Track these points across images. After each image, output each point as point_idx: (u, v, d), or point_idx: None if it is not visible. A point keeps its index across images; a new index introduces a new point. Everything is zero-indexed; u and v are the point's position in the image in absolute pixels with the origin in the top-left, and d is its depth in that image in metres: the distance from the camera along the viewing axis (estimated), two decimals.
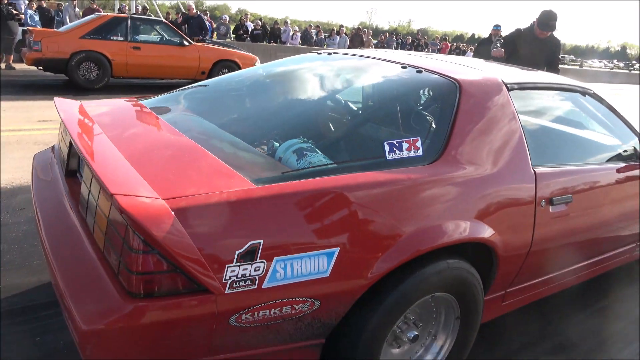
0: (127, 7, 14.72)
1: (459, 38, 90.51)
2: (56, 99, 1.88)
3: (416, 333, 1.58)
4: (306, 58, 2.42)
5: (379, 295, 1.38)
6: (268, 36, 15.79)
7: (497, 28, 8.02)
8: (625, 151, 2.33)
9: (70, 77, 7.43)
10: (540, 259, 1.88)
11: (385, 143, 1.46)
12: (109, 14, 10.13)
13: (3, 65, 9.03)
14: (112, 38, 7.61)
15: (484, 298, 1.74)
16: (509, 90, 1.80)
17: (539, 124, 2.24)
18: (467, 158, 1.58)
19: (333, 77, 2.14)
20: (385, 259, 1.34)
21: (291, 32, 15.96)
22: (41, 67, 7.46)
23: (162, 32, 8.33)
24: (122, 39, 7.69)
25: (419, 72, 1.84)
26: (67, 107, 1.78)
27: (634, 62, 77.55)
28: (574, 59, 64.36)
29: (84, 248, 1.28)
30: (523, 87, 1.89)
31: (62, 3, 14.59)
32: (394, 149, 1.46)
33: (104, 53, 7.46)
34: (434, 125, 1.64)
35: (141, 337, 1.09)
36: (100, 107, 1.94)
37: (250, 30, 15.51)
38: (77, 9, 12.53)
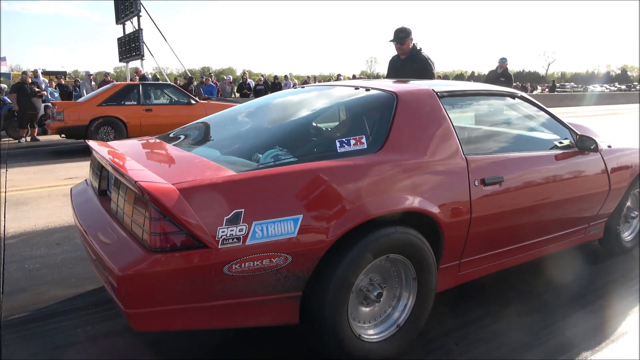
0: (137, 77, 15.83)
1: (460, 77, 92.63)
2: (89, 141, 2.42)
3: (380, 291, 1.97)
4: (285, 92, 2.98)
5: (339, 254, 1.79)
6: (270, 90, 16.75)
7: (503, 60, 8.75)
8: (560, 142, 2.76)
9: None
10: (484, 231, 2.27)
11: (336, 140, 1.93)
12: (122, 82, 11.06)
13: (29, 138, 9.87)
14: (126, 103, 8.40)
15: (437, 264, 2.14)
16: (439, 97, 2.28)
17: (474, 123, 2.70)
18: (404, 149, 2.04)
19: (304, 101, 2.68)
20: (340, 223, 1.77)
21: (291, 84, 16.93)
22: (64, 135, 8.22)
23: (170, 95, 9.13)
24: (135, 103, 8.47)
25: (367, 90, 2.35)
26: (97, 144, 2.31)
27: (635, 83, 78.27)
28: (575, 86, 65.38)
29: (115, 229, 1.76)
30: (453, 94, 2.38)
31: (79, 79, 15.83)
32: (343, 144, 1.94)
33: (119, 117, 8.22)
34: (377, 126, 2.12)
35: (160, 280, 1.53)
36: (121, 143, 2.48)
37: (252, 86, 16.52)
38: (93, 83, 13.60)
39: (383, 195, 1.90)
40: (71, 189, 2.61)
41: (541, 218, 2.58)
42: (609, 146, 2.99)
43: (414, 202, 1.96)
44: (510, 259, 2.54)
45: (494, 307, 2.55)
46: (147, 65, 17.07)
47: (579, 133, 2.79)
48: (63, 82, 13.90)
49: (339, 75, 20.26)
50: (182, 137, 2.57)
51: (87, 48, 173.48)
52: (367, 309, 2.02)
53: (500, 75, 8.52)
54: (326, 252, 1.77)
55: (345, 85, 2.62)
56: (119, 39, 18.44)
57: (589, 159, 2.77)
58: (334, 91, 2.65)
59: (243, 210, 1.62)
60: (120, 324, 2.29)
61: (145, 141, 2.52)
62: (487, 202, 2.23)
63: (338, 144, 1.94)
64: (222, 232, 1.58)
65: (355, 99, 2.39)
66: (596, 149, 2.72)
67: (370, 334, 2.00)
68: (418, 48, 4.25)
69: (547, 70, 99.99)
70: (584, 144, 2.72)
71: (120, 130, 8.23)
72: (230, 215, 1.60)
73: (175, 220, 1.53)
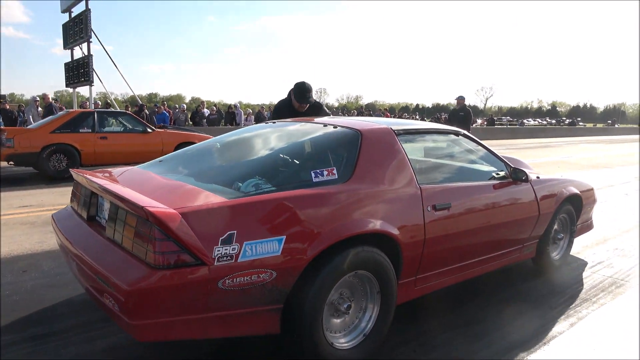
0: (87, 103, 15.56)
1: (405, 109, 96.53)
2: (75, 170, 2.57)
3: (349, 304, 2.25)
4: (256, 127, 3.26)
5: (315, 270, 2.06)
6: (224, 119, 16.93)
7: (460, 98, 9.57)
8: (497, 174, 3.19)
9: (40, 169, 7.99)
10: (436, 251, 2.61)
11: (311, 172, 2.23)
12: (77, 109, 10.89)
13: None
14: (80, 130, 8.32)
15: (397, 279, 2.45)
16: (396, 134, 2.64)
17: (426, 157, 3.11)
18: (369, 179, 2.37)
19: (277, 136, 2.96)
20: (317, 243, 2.04)
21: (244, 115, 17.19)
22: (12, 162, 8.00)
23: (126, 123, 9.12)
24: (89, 130, 8.41)
25: (335, 127, 2.69)
26: (87, 174, 2.47)
27: (564, 118, 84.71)
28: (511, 119, 69.90)
29: (115, 250, 1.94)
30: (408, 132, 2.76)
31: (22, 105, 15.31)
32: (318, 175, 2.24)
33: (72, 144, 8.13)
34: (346, 158, 2.43)
35: (163, 294, 1.73)
36: (109, 172, 2.65)
37: (206, 115, 16.64)
38: (39, 108, 13.22)
39: (352, 219, 2.20)
40: (52, 215, 2.73)
41: (483, 239, 2.97)
42: (538, 177, 3.48)
43: (377, 224, 2.27)
44: (459, 275, 2.89)
45: (446, 317, 2.88)
46: (93, 91, 16.74)
47: (512, 166, 3.24)
48: (7, 107, 13.41)
49: None
50: (164, 166, 2.77)
51: (25, 70, 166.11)
52: (338, 320, 2.28)
53: (460, 110, 9.30)
54: (304, 269, 2.04)
55: (313, 122, 2.95)
56: (66, 64, 18.02)
57: (521, 188, 3.21)
58: (303, 127, 2.96)
59: (235, 231, 1.86)
60: (104, 343, 2.41)
61: (129, 170, 2.70)
62: (438, 225, 2.58)
63: (313, 175, 2.24)
64: (218, 251, 1.81)
65: (324, 135, 2.71)
66: (527, 180, 3.18)
67: (342, 342, 2.26)
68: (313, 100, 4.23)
69: (485, 105, 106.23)
70: (516, 175, 3.17)
71: (73, 158, 8.13)
72: (224, 236, 1.83)
73: (177, 240, 1.75)
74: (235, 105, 18.34)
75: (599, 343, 2.62)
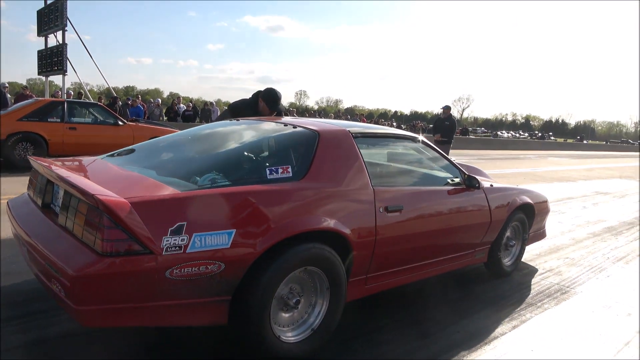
0: (60, 93, 15.23)
1: (384, 115, 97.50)
2: (32, 157, 2.57)
3: (298, 299, 2.32)
4: (221, 124, 3.31)
5: (265, 264, 2.12)
6: (199, 116, 16.82)
7: (446, 107, 9.85)
8: (452, 180, 3.32)
9: (5, 157, 7.81)
10: (387, 251, 2.71)
11: (266, 168, 2.30)
12: (46, 98, 10.67)
13: None
14: (49, 120, 8.18)
15: (348, 277, 2.53)
16: (353, 137, 2.74)
17: (383, 161, 3.21)
18: (323, 178, 2.45)
19: (238, 134, 3.02)
20: (267, 238, 2.11)
21: (218, 111, 17.13)
22: None
23: (97, 114, 9.00)
24: (58, 120, 8.27)
25: (294, 127, 2.76)
26: (44, 161, 2.48)
27: (537, 132, 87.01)
28: (485, 131, 71.42)
29: (65, 237, 1.97)
30: (365, 135, 2.86)
31: None
32: (272, 172, 2.31)
33: (40, 133, 7.98)
34: (302, 158, 2.51)
35: (109, 281, 1.77)
36: (67, 160, 2.65)
37: (182, 112, 16.50)
38: (8, 95, 12.89)
39: (304, 216, 2.27)
40: (7, 202, 2.72)
41: (434, 242, 3.08)
42: (491, 185, 3.62)
43: (329, 223, 2.35)
44: (409, 276, 2.99)
45: (395, 316, 2.98)
46: (67, 81, 16.47)
47: (467, 173, 3.37)
48: None
49: None
50: (124, 157, 2.79)
51: None
52: (287, 315, 2.35)
53: (445, 120, 9.56)
54: (254, 263, 2.10)
55: (274, 121, 3.02)
56: (39, 52, 17.61)
57: (474, 195, 3.35)
58: (264, 126, 3.03)
59: (185, 223, 1.91)
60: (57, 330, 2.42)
61: (89, 160, 2.71)
62: (389, 227, 2.67)
63: (268, 172, 2.30)
64: (167, 241, 1.86)
65: (283, 134, 2.78)
66: (479, 187, 3.32)
67: (289, 335, 2.32)
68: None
69: (461, 115, 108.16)
70: (470, 182, 3.30)
71: (40, 147, 7.97)
72: (174, 227, 1.88)
73: (126, 228, 1.79)
74: (212, 103, 18.25)
75: (538, 345, 2.75)
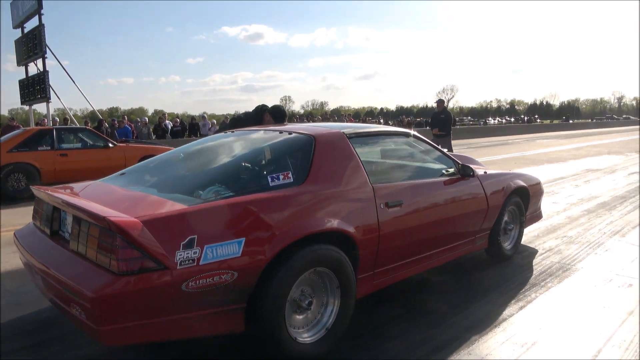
0: (45, 120, 15.17)
1: (370, 113, 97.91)
2: (35, 187, 2.61)
3: (310, 300, 2.38)
4: (216, 137, 3.37)
5: (276, 268, 2.18)
6: (187, 131, 16.82)
7: (440, 102, 10.06)
8: (447, 171, 3.40)
9: None
10: (391, 246, 2.77)
11: (268, 176, 2.36)
12: (34, 127, 10.64)
13: None
14: (39, 148, 8.17)
15: (356, 275, 2.59)
16: (348, 138, 2.80)
17: (378, 158, 3.29)
18: (323, 180, 2.51)
19: (236, 145, 3.08)
20: (275, 243, 2.17)
21: (209, 125, 17.15)
22: None
23: (86, 138, 9.00)
24: (48, 148, 8.27)
25: (290, 133, 2.82)
26: (49, 189, 2.52)
27: (523, 116, 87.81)
28: (472, 119, 71.92)
29: (78, 261, 2.01)
30: (359, 135, 2.93)
31: None
32: (274, 179, 2.37)
33: (32, 163, 7.97)
34: (300, 162, 2.57)
35: (129, 299, 1.81)
36: (69, 187, 2.70)
37: (169, 128, 16.49)
38: None
39: (308, 219, 2.33)
40: (15, 233, 2.75)
41: (436, 233, 3.15)
42: (485, 172, 3.71)
43: (333, 223, 2.41)
44: (415, 268, 3.06)
45: (402, 309, 3.04)
46: (50, 108, 16.35)
47: (461, 163, 3.45)
48: None
49: None
50: (124, 179, 2.84)
51: None
52: (301, 316, 2.40)
53: (440, 113, 9.73)
54: (265, 268, 2.15)
55: (269, 129, 3.08)
56: (21, 81, 17.53)
57: (470, 183, 3.43)
58: (260, 135, 3.09)
59: (196, 236, 1.96)
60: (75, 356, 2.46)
61: (90, 184, 2.76)
62: (391, 222, 2.74)
63: (269, 179, 2.37)
64: (180, 255, 1.91)
65: (280, 141, 2.84)
66: (474, 175, 3.40)
67: (305, 336, 2.38)
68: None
69: (447, 106, 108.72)
70: (465, 171, 3.38)
71: (32, 176, 7.96)
72: (185, 241, 1.93)
73: (140, 247, 1.84)
74: (203, 117, 18.28)
75: (545, 322, 2.83)
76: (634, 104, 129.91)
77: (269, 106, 4.52)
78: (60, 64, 16.32)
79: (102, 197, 2.37)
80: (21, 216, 6.16)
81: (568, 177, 9.26)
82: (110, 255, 1.86)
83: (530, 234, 4.79)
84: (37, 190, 2.59)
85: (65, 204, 2.19)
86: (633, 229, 5.05)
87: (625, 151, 15.74)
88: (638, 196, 6.98)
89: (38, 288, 2.35)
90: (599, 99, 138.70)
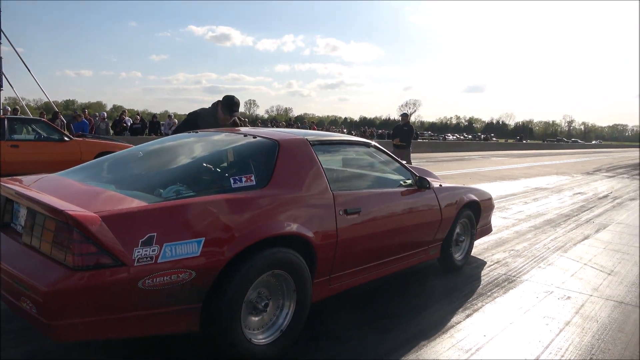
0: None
1: (334, 122, 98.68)
2: None
3: (267, 301, 2.41)
4: (180, 136, 3.35)
5: (233, 269, 2.20)
6: (147, 129, 16.44)
7: (404, 115, 10.59)
8: (405, 182, 3.52)
9: None
10: (348, 252, 2.85)
11: (230, 178, 2.39)
12: None
13: None
14: None
15: (312, 279, 2.65)
16: (311, 144, 2.87)
17: (340, 166, 3.38)
18: (285, 185, 2.56)
19: (199, 145, 3.09)
20: (235, 245, 2.19)
21: (172, 125, 16.84)
22: None
23: (40, 130, 8.65)
24: None
25: (254, 137, 2.86)
26: (2, 181, 2.44)
27: (480, 133, 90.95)
28: (432, 134, 73.85)
29: (31, 254, 1.98)
30: (322, 142, 3.01)
31: None
32: (237, 181, 2.40)
33: None
34: (264, 166, 2.61)
35: (83, 295, 1.79)
36: (24, 179, 2.62)
37: (129, 124, 16.08)
38: None
39: (269, 222, 2.37)
40: None
41: (391, 241, 3.26)
42: (440, 185, 3.86)
43: (293, 227, 2.46)
44: (370, 274, 3.15)
45: (356, 314, 3.12)
46: (2, 96, 15.63)
47: (418, 175, 3.59)
48: None
49: None
50: (81, 173, 2.78)
51: None
52: (257, 318, 2.43)
53: (404, 125, 10.17)
54: (222, 269, 2.17)
55: (234, 132, 3.11)
56: None
57: (426, 195, 3.57)
58: (224, 137, 3.11)
59: (155, 234, 1.96)
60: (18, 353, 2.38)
61: (45, 177, 2.69)
62: (349, 229, 2.82)
63: (232, 181, 2.39)
64: (138, 252, 1.91)
65: (244, 144, 2.87)
66: (429, 187, 3.54)
67: (260, 338, 2.41)
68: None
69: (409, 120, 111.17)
70: (421, 183, 3.52)
71: None
72: (144, 238, 1.93)
73: (97, 242, 1.83)
74: (169, 115, 17.92)
75: (490, 330, 2.98)
76: (582, 129, 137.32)
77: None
78: (15, 51, 15.66)
79: (58, 191, 2.32)
80: None
81: (518, 194, 9.70)
82: (65, 250, 1.84)
83: (480, 247, 5.00)
84: None
85: (20, 196, 2.14)
86: (574, 245, 5.37)
87: (572, 172, 16.64)
88: (580, 215, 7.41)
89: None
90: (550, 122, 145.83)
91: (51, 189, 2.33)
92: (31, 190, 2.24)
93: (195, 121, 4.19)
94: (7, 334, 2.56)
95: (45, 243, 1.95)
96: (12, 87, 15.68)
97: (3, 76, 14.78)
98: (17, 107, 16.83)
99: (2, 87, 14.87)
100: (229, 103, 4.20)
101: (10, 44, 15.23)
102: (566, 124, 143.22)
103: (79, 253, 1.81)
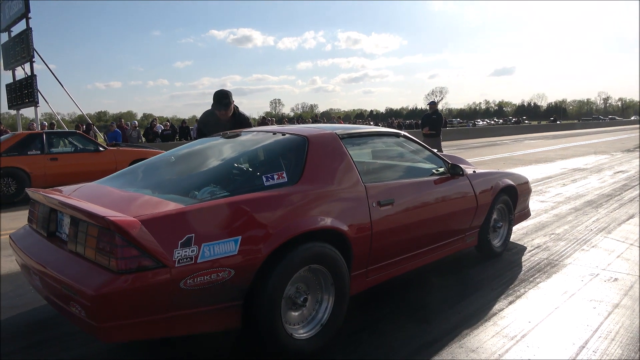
0: (34, 125, 15.04)
1: (360, 116, 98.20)
2: (30, 189, 2.63)
3: (305, 296, 2.42)
4: (209, 139, 3.41)
5: (271, 266, 2.23)
6: (178, 134, 16.78)
7: (432, 103, 10.43)
8: (437, 170, 3.47)
9: None
10: (384, 244, 2.83)
11: (263, 176, 2.41)
12: (23, 131, 10.56)
13: None
14: (28, 153, 8.12)
15: (350, 272, 2.64)
16: (341, 138, 2.86)
17: (370, 158, 3.35)
18: (317, 180, 2.56)
19: (229, 146, 3.12)
20: (271, 241, 2.21)
21: None
22: None
23: (76, 142, 8.96)
24: (38, 152, 8.22)
25: (283, 135, 2.88)
26: (45, 192, 2.54)
27: (511, 117, 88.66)
28: (460, 121, 72.45)
29: (77, 261, 2.05)
30: (351, 135, 2.99)
31: None
32: (269, 179, 2.42)
33: (22, 167, 7.92)
34: (294, 162, 2.62)
35: (128, 297, 1.85)
36: (63, 189, 2.72)
37: (160, 131, 16.44)
38: None
39: (303, 218, 2.38)
40: (10, 235, 2.76)
41: (426, 231, 3.22)
42: (474, 171, 3.78)
43: (327, 221, 2.46)
44: (407, 265, 3.12)
45: (395, 305, 3.10)
46: (38, 112, 16.27)
47: (450, 162, 3.53)
48: None
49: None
50: (119, 181, 2.87)
51: None
52: (296, 313, 2.45)
53: (432, 114, 10.04)
54: (261, 266, 2.20)
55: (263, 131, 3.13)
56: (7, 85, 17.39)
57: (459, 182, 3.50)
58: (255, 136, 3.13)
59: (194, 235, 2.00)
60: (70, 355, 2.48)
61: (85, 186, 2.78)
62: (383, 220, 2.80)
63: (264, 179, 2.41)
64: (178, 253, 1.95)
65: (274, 142, 2.89)
66: (463, 174, 3.47)
67: (301, 332, 2.42)
68: (238, 108, 4.17)
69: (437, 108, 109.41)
70: (454, 170, 3.45)
71: (22, 181, 7.91)
72: (183, 240, 1.97)
73: (138, 245, 1.87)
74: (197, 120, 18.24)
75: (534, 316, 2.90)
76: (619, 105, 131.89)
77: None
78: (49, 68, 16.22)
79: (98, 198, 2.40)
80: (11, 221, 6.13)
81: (555, 176, 9.41)
82: (109, 255, 1.90)
83: (518, 232, 4.88)
84: (33, 193, 2.61)
85: (63, 205, 2.22)
86: (619, 225, 5.17)
87: (611, 151, 16.01)
88: (623, 194, 7.13)
89: (35, 289, 2.37)
90: (585, 100, 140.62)
91: (91, 197, 2.41)
92: (73, 199, 2.32)
93: (202, 130, 4.16)
94: (51, 340, 2.67)
95: (90, 249, 2.02)
96: (48, 103, 16.27)
97: (39, 93, 15.36)
98: (53, 121, 17.49)
99: (38, 103, 15.46)
100: (216, 97, 4.01)
101: (44, 62, 15.79)
102: (602, 101, 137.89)
103: (121, 257, 1.86)
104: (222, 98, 3.96)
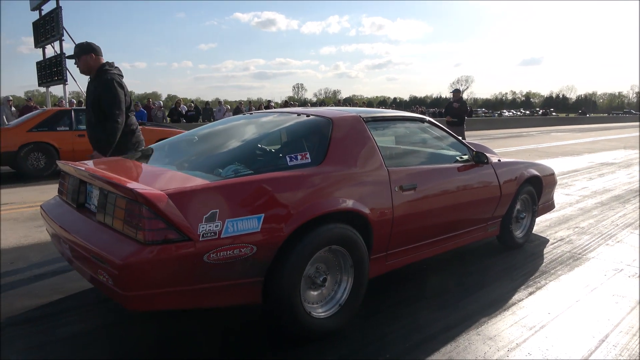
0: (63, 102, 15.37)
1: (383, 103, 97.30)
2: (60, 162, 2.71)
3: (325, 276, 2.45)
4: (233, 119, 3.44)
5: (292, 245, 2.25)
6: (201, 116, 16.95)
7: (456, 91, 10.35)
8: (461, 157, 3.43)
9: (18, 169, 7.97)
10: (404, 229, 2.83)
11: (286, 156, 2.43)
12: (53, 108, 10.81)
13: None
14: (58, 129, 8.32)
15: (369, 255, 2.66)
16: (365, 121, 2.85)
17: (394, 143, 3.33)
18: (340, 162, 2.57)
19: (253, 127, 3.15)
20: (293, 221, 2.24)
21: (225, 110, 17.27)
22: None
23: None
24: (67, 128, 8.42)
25: (308, 116, 2.88)
26: (75, 164, 2.62)
27: (538, 109, 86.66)
28: (486, 111, 71.16)
29: (106, 231, 2.11)
30: (375, 119, 2.98)
31: None
32: (292, 159, 2.44)
33: (51, 142, 8.13)
34: (318, 144, 2.63)
35: (153, 268, 1.90)
36: (95, 162, 2.79)
37: (184, 112, 16.63)
38: (13, 108, 13.04)
39: (325, 198, 2.40)
40: (41, 206, 2.85)
41: (448, 217, 3.20)
42: (499, 160, 3.73)
43: (349, 203, 2.48)
44: (427, 251, 3.12)
45: (413, 290, 3.11)
46: (66, 90, 16.58)
47: (475, 150, 3.48)
48: None
49: (269, 101, 20.88)
50: (147, 156, 2.93)
51: None
52: (315, 293, 2.48)
53: (455, 101, 9.94)
54: (282, 245, 2.23)
55: (288, 112, 3.14)
56: (38, 63, 17.74)
57: (483, 171, 3.46)
58: (279, 117, 3.15)
59: (218, 210, 2.04)
60: (96, 322, 2.57)
61: (112, 160, 2.85)
62: (405, 205, 2.79)
63: (288, 159, 2.43)
64: (202, 227, 1.99)
65: (299, 123, 2.90)
66: (488, 162, 3.43)
67: (319, 312, 2.46)
68: (106, 68, 3.58)
69: (462, 96, 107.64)
70: (479, 158, 3.41)
71: (51, 156, 8.13)
72: (208, 214, 2.01)
73: (165, 218, 1.92)
74: (219, 102, 18.41)
75: (554, 308, 2.88)
76: None
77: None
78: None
79: (126, 172, 2.46)
80: (41, 193, 6.33)
81: (582, 169, 9.21)
82: (136, 226, 1.95)
83: (542, 224, 4.81)
84: (63, 165, 2.69)
85: (93, 177, 2.28)
86: None
87: None
88: None
89: (64, 257, 2.46)
90: (616, 93, 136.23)
91: (119, 171, 2.47)
92: (103, 171, 2.38)
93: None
94: (81, 307, 2.77)
95: (118, 220, 2.08)
96: (76, 81, 16.55)
97: (68, 71, 15.64)
98: (82, 99, 17.82)
99: (67, 81, 15.75)
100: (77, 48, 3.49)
101: (73, 40, 15.99)
102: (634, 94, 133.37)
103: (149, 229, 1.91)
104: (77, 49, 3.45)
